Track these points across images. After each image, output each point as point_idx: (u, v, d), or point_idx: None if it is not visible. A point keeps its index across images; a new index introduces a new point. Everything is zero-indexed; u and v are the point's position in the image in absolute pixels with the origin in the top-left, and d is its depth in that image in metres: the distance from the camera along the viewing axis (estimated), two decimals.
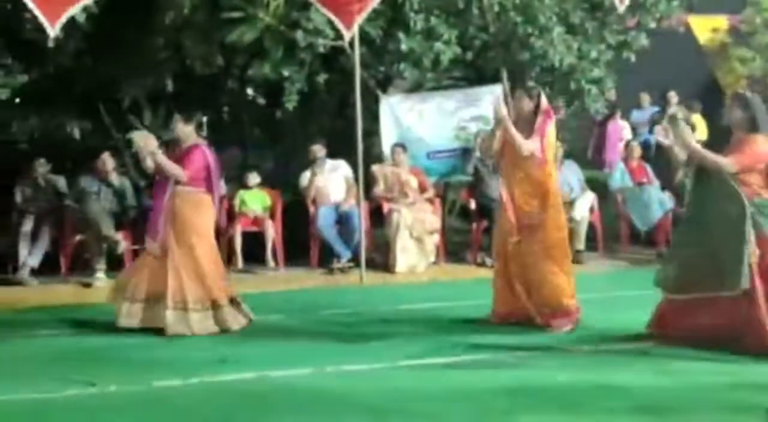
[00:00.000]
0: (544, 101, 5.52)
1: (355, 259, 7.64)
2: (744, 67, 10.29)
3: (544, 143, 5.37)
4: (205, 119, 5.87)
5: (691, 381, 4.25)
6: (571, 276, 5.42)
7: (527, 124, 5.41)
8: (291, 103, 8.11)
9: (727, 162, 4.71)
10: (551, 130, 5.46)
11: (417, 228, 7.84)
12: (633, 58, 9.20)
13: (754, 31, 10.12)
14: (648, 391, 4.09)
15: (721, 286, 4.67)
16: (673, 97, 10.10)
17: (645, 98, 10.99)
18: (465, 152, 8.64)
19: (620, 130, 10.79)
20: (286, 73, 7.99)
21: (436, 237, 8.03)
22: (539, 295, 5.35)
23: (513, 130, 5.28)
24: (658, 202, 8.45)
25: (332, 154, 8.30)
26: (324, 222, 7.85)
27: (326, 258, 7.87)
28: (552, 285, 5.33)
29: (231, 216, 8.02)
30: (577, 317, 5.37)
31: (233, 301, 5.51)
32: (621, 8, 7.61)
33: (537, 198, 5.37)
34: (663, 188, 8.70)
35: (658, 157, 9.53)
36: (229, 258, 7.77)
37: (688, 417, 3.77)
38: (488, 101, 8.73)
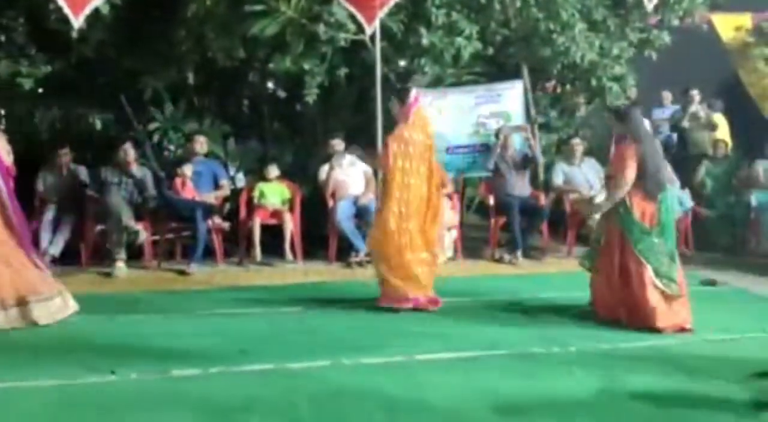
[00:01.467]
0: (410, 98, 5.77)
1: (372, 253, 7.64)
2: (767, 66, 10.19)
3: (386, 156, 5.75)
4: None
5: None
6: None
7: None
8: (311, 96, 8.12)
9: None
10: (409, 132, 5.76)
11: None
12: (655, 55, 9.14)
13: None
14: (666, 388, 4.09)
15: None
16: (695, 95, 10.01)
17: (667, 96, 10.90)
18: (484, 148, 8.63)
19: None
20: (306, 67, 7.99)
21: (454, 233, 8.04)
22: None
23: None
24: (678, 201, 8.39)
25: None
26: (342, 215, 7.87)
27: (344, 251, 7.89)
28: None
29: (250, 208, 8.05)
30: None
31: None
32: (650, 6, 7.58)
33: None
34: (683, 187, 8.65)
35: (678, 156, 9.48)
36: (247, 251, 7.84)
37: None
38: (509, 97, 8.77)
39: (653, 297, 5.22)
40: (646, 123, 10.69)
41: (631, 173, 5.28)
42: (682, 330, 5.18)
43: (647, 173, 5.32)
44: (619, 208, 5.37)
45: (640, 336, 5.12)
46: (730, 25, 10.80)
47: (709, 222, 8.48)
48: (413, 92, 5.90)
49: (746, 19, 10.72)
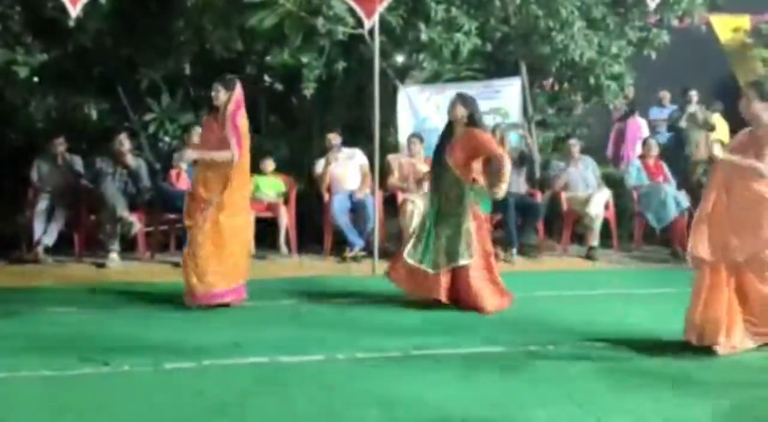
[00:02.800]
0: (237, 91, 5.71)
1: (367, 248, 7.64)
2: (765, 67, 10.20)
3: (238, 135, 5.63)
4: None
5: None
6: None
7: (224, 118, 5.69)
8: (308, 90, 8.10)
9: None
10: (242, 120, 5.70)
11: None
12: (654, 55, 9.14)
13: None
14: (660, 386, 4.09)
15: (452, 261, 5.66)
16: (693, 95, 10.02)
17: (665, 96, 10.91)
18: None
19: (638, 127, 10.73)
20: (304, 60, 7.97)
21: None
22: None
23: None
24: (674, 201, 8.40)
25: (348, 143, 8.30)
26: (338, 210, 7.85)
27: (339, 246, 7.87)
28: None
29: None
30: None
31: None
32: (652, 5, 7.57)
33: None
34: (679, 187, 8.66)
35: (675, 156, 9.48)
36: None
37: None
38: (507, 94, 8.76)
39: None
40: (643, 122, 10.77)
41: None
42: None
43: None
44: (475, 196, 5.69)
45: (637, 333, 5.12)
46: (728, 26, 10.81)
47: None
48: (238, 81, 5.84)
49: (744, 21, 10.74)
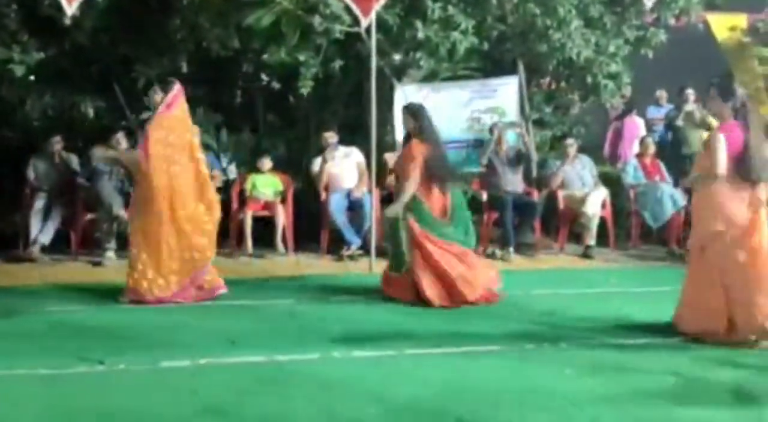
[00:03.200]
0: (171, 93, 5.78)
1: (364, 247, 7.63)
2: (762, 66, 10.19)
3: (146, 138, 5.71)
4: None
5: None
6: None
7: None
8: (305, 88, 8.08)
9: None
10: (169, 122, 5.77)
11: None
12: (651, 54, 9.13)
13: None
14: (660, 383, 4.09)
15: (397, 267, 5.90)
16: (690, 94, 10.01)
17: (662, 95, 10.90)
18: (478, 143, 8.61)
19: (636, 126, 10.72)
20: (301, 58, 7.95)
21: None
22: None
23: None
24: (671, 199, 8.41)
25: (346, 141, 8.28)
26: (335, 208, 7.84)
27: (336, 245, 7.86)
28: None
29: (242, 200, 8.01)
30: None
31: None
32: (649, 3, 7.57)
33: None
34: (676, 185, 8.66)
35: (672, 155, 9.48)
36: (238, 243, 7.80)
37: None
38: (504, 92, 8.75)
39: (454, 273, 5.68)
40: (640, 121, 10.77)
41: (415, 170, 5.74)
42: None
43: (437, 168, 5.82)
44: (411, 201, 5.76)
45: (635, 333, 5.13)
46: (725, 25, 10.78)
47: None
48: (177, 84, 5.89)
49: (741, 20, 10.71)
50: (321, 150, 8.12)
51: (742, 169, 4.78)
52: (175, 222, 5.72)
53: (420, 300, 5.75)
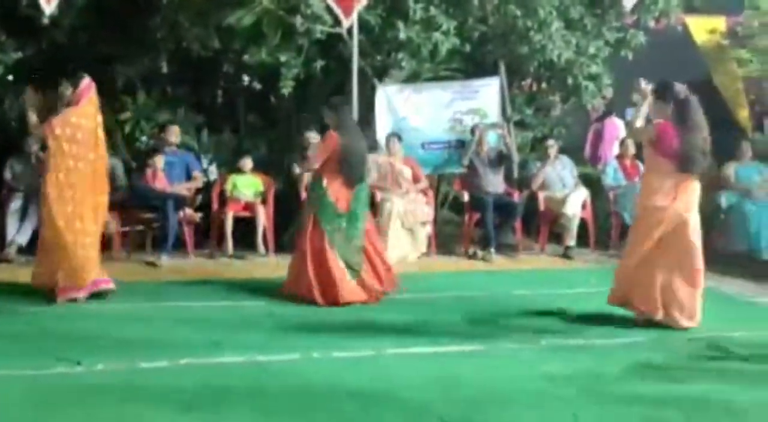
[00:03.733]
0: (80, 88, 5.77)
1: None
2: (741, 68, 10.27)
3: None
4: None
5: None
6: None
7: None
8: (287, 88, 8.05)
9: None
10: (77, 117, 5.71)
11: (409, 219, 7.82)
12: (630, 55, 9.19)
13: (752, 33, 10.09)
14: (640, 380, 4.11)
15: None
16: None
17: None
18: (460, 144, 8.62)
19: (616, 127, 10.77)
20: (282, 59, 7.92)
21: (428, 229, 8.02)
22: None
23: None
24: None
25: None
26: None
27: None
28: None
29: (222, 200, 7.97)
30: None
31: None
32: (629, 5, 7.61)
33: None
34: None
35: None
36: (219, 243, 7.76)
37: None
38: (485, 94, 8.77)
39: (338, 274, 5.73)
40: (620, 123, 10.82)
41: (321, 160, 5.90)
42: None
43: (346, 166, 5.85)
44: (315, 191, 5.90)
45: (614, 331, 5.16)
46: (704, 28, 10.85)
47: None
48: (86, 78, 5.85)
49: (720, 22, 10.79)
50: (303, 150, 8.09)
51: (683, 163, 5.16)
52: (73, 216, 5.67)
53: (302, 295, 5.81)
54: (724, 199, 8.19)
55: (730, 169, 8.51)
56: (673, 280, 5.18)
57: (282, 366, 4.36)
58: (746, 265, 7.45)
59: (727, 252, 7.87)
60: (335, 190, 5.88)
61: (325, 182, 5.88)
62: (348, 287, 5.80)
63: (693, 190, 5.25)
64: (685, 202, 5.20)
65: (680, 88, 5.29)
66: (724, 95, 10.59)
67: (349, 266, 5.83)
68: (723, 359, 4.65)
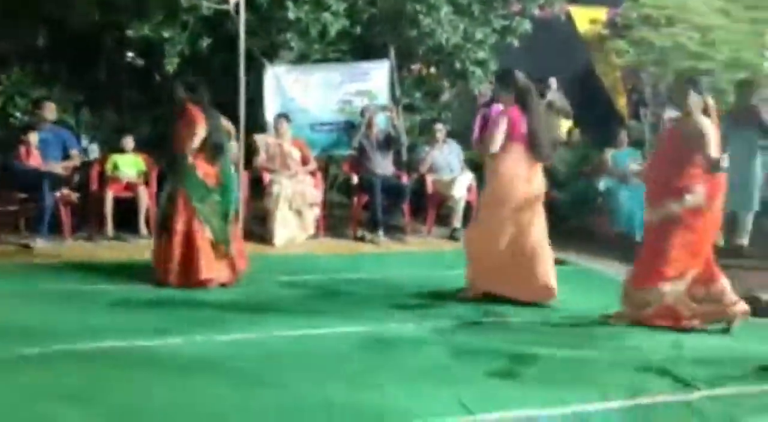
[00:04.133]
0: None
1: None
2: (619, 58, 10.67)
3: None
4: None
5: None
6: None
7: None
8: (171, 66, 7.82)
9: None
10: None
11: (297, 201, 7.76)
12: (516, 42, 9.39)
13: (630, 24, 10.50)
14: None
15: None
16: (552, 83, 10.38)
17: None
18: (349, 126, 8.61)
19: None
20: (166, 35, 7.69)
21: (316, 211, 7.98)
22: None
23: None
24: None
25: None
26: None
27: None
28: None
29: (103, 180, 7.68)
30: None
31: None
32: None
33: None
34: None
35: None
36: (99, 225, 7.48)
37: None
38: (375, 76, 8.78)
39: (205, 254, 5.66)
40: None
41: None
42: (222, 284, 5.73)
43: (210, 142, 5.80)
44: (183, 169, 5.76)
45: (491, 308, 5.28)
46: (586, 18, 11.24)
47: (561, 205, 8.82)
48: None
49: (601, 13, 11.19)
50: None
51: (533, 149, 5.35)
52: None
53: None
54: (602, 184, 8.50)
55: (608, 155, 8.83)
56: (522, 259, 5.40)
57: (163, 350, 4.26)
58: (623, 246, 7.76)
59: (605, 234, 8.20)
60: (202, 167, 5.78)
61: (190, 159, 5.75)
62: (215, 267, 5.72)
63: (540, 174, 5.49)
64: (537, 185, 5.43)
65: (520, 76, 5.48)
66: (604, 83, 11.02)
67: (218, 242, 5.75)
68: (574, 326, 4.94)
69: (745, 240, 7.55)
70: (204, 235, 5.72)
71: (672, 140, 5.09)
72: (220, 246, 5.76)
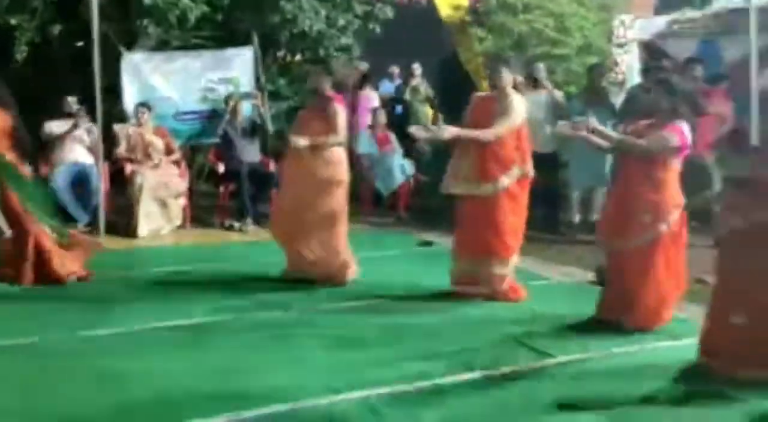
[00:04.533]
0: None
1: (93, 223, 7.27)
2: (480, 45, 10.94)
3: None
4: None
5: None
6: None
7: None
8: (21, 54, 7.45)
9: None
10: None
11: (161, 192, 7.59)
12: (378, 29, 9.50)
13: (489, 11, 10.78)
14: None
15: None
16: (416, 69, 10.56)
17: (395, 71, 11.38)
18: (213, 114, 8.48)
19: (369, 99, 11.11)
20: (14, 22, 7.32)
21: (182, 201, 7.83)
22: None
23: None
24: (400, 169, 8.85)
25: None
26: (60, 184, 7.36)
27: (62, 222, 7.37)
28: None
29: None
30: None
31: None
32: None
33: None
34: (405, 155, 9.12)
35: (403, 127, 9.94)
36: None
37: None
38: (238, 63, 8.68)
39: (48, 245, 5.51)
40: (374, 94, 11.18)
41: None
42: (79, 278, 5.59)
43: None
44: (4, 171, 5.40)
45: (363, 295, 5.36)
46: (449, 4, 11.45)
47: (426, 187, 9.03)
48: None
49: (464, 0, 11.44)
50: (62, 115, 7.55)
51: None
52: None
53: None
54: None
55: None
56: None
57: (42, 347, 4.17)
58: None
59: None
60: (18, 163, 5.47)
61: (7, 157, 5.38)
62: (60, 259, 5.54)
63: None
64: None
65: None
66: (468, 69, 11.28)
67: (56, 233, 5.61)
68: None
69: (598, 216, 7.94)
70: (44, 231, 5.52)
71: (482, 112, 5.30)
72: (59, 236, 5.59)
